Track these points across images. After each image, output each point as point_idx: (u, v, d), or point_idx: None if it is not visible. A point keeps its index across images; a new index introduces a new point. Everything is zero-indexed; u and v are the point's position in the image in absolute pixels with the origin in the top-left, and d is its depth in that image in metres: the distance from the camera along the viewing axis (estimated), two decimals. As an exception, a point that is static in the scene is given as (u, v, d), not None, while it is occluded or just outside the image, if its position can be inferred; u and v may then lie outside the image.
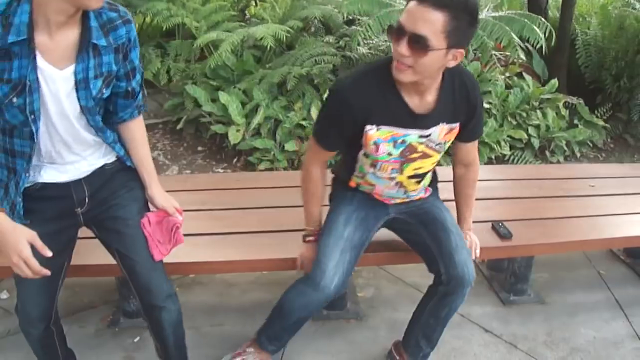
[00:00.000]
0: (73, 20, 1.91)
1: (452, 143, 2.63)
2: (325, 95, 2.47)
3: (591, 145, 6.58)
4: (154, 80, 6.23)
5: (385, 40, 5.98)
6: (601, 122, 6.66)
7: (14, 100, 1.91)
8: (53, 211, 2.20)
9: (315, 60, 5.75)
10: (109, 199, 2.32)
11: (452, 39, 2.10)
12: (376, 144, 2.40)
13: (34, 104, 1.93)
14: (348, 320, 3.42)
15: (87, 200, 2.25)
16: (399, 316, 2.92)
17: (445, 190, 2.99)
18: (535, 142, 6.01)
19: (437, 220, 2.72)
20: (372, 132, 2.38)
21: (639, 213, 3.62)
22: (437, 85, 2.36)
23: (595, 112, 6.83)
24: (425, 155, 2.51)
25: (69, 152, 2.15)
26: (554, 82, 6.52)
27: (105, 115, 2.24)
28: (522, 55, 5.86)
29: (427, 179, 2.72)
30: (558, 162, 6.11)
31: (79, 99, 2.02)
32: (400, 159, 2.48)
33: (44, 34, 1.88)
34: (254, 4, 8.14)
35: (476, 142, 2.71)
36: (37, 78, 1.91)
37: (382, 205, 2.77)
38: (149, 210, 2.41)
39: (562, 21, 7.37)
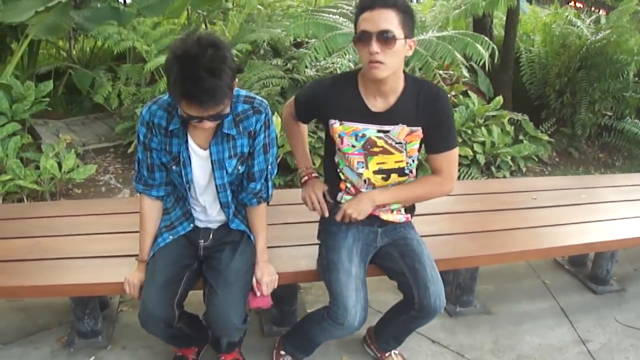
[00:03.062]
0: None
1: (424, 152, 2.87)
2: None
3: (537, 159, 6.76)
4: (105, 104, 6.23)
5: (333, 63, 6.07)
6: (546, 137, 6.86)
7: (174, 167, 2.64)
8: (186, 238, 2.85)
9: (264, 83, 5.84)
10: (225, 244, 2.85)
11: (405, 30, 2.52)
12: (340, 137, 2.76)
13: (188, 175, 2.65)
14: (298, 336, 3.47)
15: (210, 238, 2.86)
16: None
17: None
18: (481, 159, 6.15)
19: (415, 252, 2.89)
20: (336, 126, 2.75)
21: (578, 223, 3.76)
22: (400, 88, 2.69)
23: (540, 127, 7.04)
24: (386, 151, 2.76)
25: (204, 214, 2.84)
26: (499, 99, 6.68)
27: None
28: (466, 73, 5.99)
29: (394, 179, 2.85)
30: (504, 177, 6.27)
31: (215, 178, 2.66)
32: (362, 151, 2.77)
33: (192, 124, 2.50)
34: (204, 27, 8.19)
35: (447, 156, 2.80)
36: (190, 156, 2.61)
37: (371, 232, 2.97)
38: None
39: (506, 39, 7.58)
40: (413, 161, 2.84)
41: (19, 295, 3.21)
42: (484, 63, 5.74)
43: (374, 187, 2.85)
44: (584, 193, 4.29)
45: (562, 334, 3.64)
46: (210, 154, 2.60)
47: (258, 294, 2.78)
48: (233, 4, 8.27)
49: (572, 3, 19.38)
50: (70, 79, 7.07)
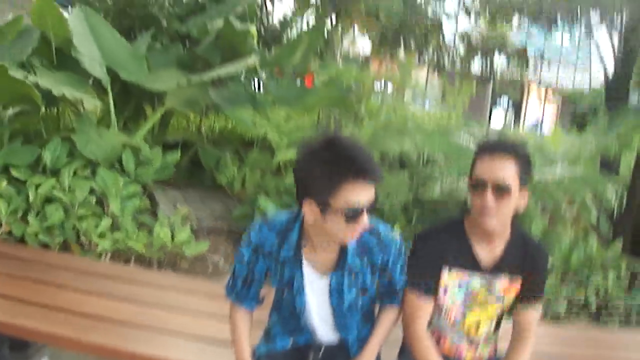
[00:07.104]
0: (334, 244, 2.37)
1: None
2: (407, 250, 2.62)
3: (653, 311, 6.43)
4: (226, 186, 6.38)
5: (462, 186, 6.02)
6: (665, 287, 6.53)
7: (285, 294, 2.49)
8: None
9: (388, 194, 5.80)
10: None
11: (522, 180, 2.39)
12: (445, 289, 2.56)
13: (301, 304, 2.49)
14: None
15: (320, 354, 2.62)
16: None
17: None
18: (593, 304, 5.90)
19: None
20: (445, 277, 2.55)
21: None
22: (506, 236, 2.53)
23: (660, 276, 6.71)
24: (484, 305, 2.59)
25: (315, 334, 2.61)
26: (618, 243, 6.45)
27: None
28: (593, 218, 5.86)
29: (487, 325, 2.68)
30: (615, 327, 5.94)
31: (331, 302, 2.47)
32: (462, 306, 2.59)
33: (310, 248, 2.40)
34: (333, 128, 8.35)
35: (532, 311, 2.63)
36: (303, 283, 2.44)
37: None
38: None
39: (633, 182, 7.35)
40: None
41: (117, 358, 3.22)
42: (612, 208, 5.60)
43: (469, 333, 2.67)
44: None
45: None
46: (330, 282, 2.44)
47: None
48: (365, 110, 8.41)
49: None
50: (196, 153, 7.31)
